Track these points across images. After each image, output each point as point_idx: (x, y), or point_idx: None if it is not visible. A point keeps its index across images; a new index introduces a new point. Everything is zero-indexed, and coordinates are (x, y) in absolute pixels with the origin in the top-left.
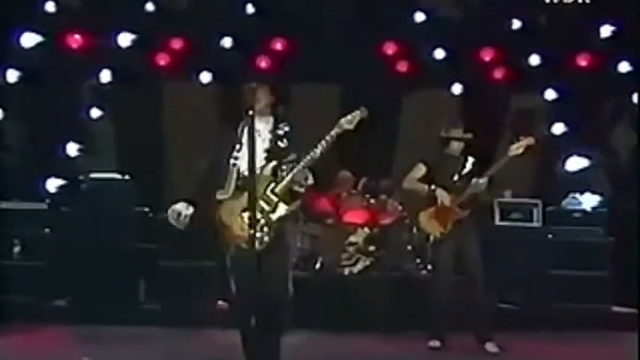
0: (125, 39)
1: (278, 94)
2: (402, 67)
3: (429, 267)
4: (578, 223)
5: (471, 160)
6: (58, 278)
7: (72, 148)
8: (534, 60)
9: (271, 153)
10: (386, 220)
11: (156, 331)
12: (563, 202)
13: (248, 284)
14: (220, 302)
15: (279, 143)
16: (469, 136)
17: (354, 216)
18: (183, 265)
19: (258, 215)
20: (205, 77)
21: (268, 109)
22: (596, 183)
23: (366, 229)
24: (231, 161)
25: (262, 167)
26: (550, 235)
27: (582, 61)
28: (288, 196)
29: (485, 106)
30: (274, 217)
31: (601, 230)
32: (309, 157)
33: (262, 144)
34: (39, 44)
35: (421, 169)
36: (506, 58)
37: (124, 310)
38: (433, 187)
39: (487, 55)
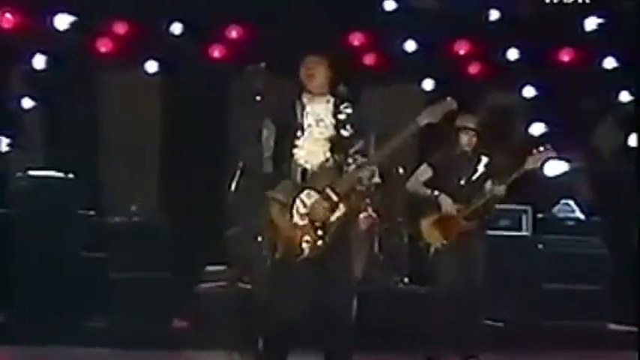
0: (62, 21)
1: (339, 69)
2: (370, 59)
3: (406, 280)
4: (572, 232)
5: (484, 159)
6: None
7: (1, 143)
8: (513, 54)
9: (334, 143)
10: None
11: (104, 354)
12: (555, 209)
13: (292, 302)
14: (179, 320)
15: (342, 131)
16: (480, 129)
17: None
18: (136, 276)
19: (305, 210)
20: (152, 66)
21: (326, 87)
22: (578, 189)
23: None
24: (294, 149)
25: (325, 161)
26: (540, 245)
27: (565, 56)
28: (351, 195)
29: (458, 104)
30: (332, 218)
31: (596, 240)
32: (380, 153)
33: (323, 131)
34: None
35: (427, 172)
36: (483, 51)
37: (67, 329)
38: (437, 192)
39: (462, 49)
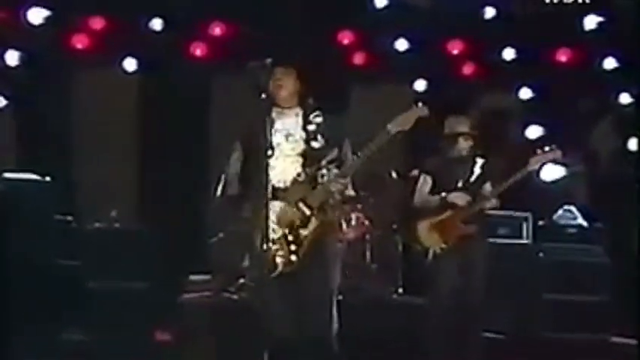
0: (36, 15)
1: (308, 80)
2: (359, 59)
3: (400, 290)
4: (574, 239)
5: (480, 161)
6: None
7: None
8: (509, 54)
9: (305, 157)
10: (349, 235)
11: None
12: (556, 216)
13: (270, 319)
14: (161, 333)
15: (313, 143)
16: (475, 132)
17: None
18: (115, 286)
19: (285, 230)
20: (130, 64)
21: (295, 99)
22: (579, 194)
23: None
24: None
25: (297, 176)
26: (541, 254)
27: (563, 56)
28: (325, 208)
29: (451, 106)
30: (305, 232)
31: (599, 248)
32: (350, 163)
33: (294, 147)
34: None
35: (427, 181)
36: (477, 51)
37: (41, 342)
38: (444, 194)
39: (455, 48)
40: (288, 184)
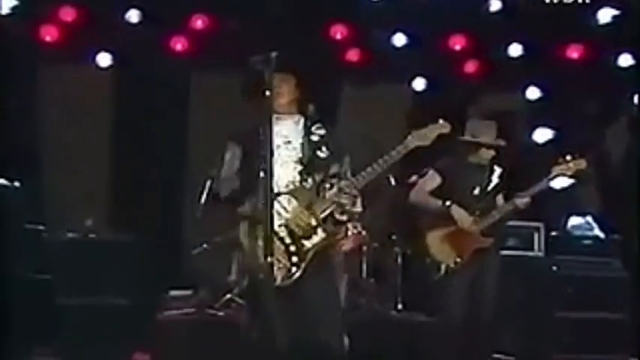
0: (2, 5)
1: (307, 86)
2: (353, 55)
3: (400, 306)
4: (590, 252)
5: (498, 170)
6: None
7: None
8: (515, 50)
9: (305, 165)
10: (344, 247)
11: None
12: (570, 226)
13: (264, 337)
14: (140, 354)
15: (319, 153)
16: (502, 142)
17: None
18: (90, 302)
19: (287, 240)
20: (104, 59)
21: (294, 106)
22: (591, 202)
23: None
24: (261, 174)
25: (296, 183)
26: (554, 268)
27: (574, 53)
28: (330, 221)
29: (453, 107)
30: (308, 244)
31: (618, 262)
32: (362, 176)
33: (291, 154)
34: None
35: (435, 179)
36: (481, 47)
37: None
38: (448, 203)
39: (457, 44)
40: (285, 191)
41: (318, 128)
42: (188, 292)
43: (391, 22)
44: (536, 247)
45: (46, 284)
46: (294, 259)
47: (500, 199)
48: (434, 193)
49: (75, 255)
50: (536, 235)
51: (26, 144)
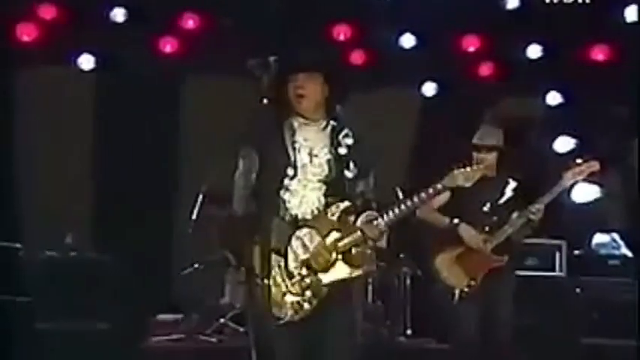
0: None
1: (337, 85)
2: (358, 57)
3: (409, 332)
4: (616, 273)
5: (512, 183)
6: None
7: None
8: (533, 52)
9: (334, 186)
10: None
11: None
12: (595, 244)
13: None
14: None
15: (346, 172)
16: (500, 144)
17: None
18: (71, 327)
19: (302, 271)
20: (87, 61)
21: (322, 110)
22: (617, 218)
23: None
24: (281, 192)
25: (320, 208)
26: (578, 290)
27: (599, 54)
28: (353, 254)
29: (466, 113)
30: (325, 279)
31: None
32: (395, 213)
33: (316, 171)
34: None
35: (443, 195)
36: (497, 48)
37: None
38: (456, 220)
39: (471, 45)
40: (308, 217)
41: (345, 136)
42: (177, 316)
43: (399, 23)
44: (557, 267)
45: (23, 307)
46: (308, 293)
47: (514, 215)
48: (442, 210)
49: (54, 275)
50: (557, 254)
51: None
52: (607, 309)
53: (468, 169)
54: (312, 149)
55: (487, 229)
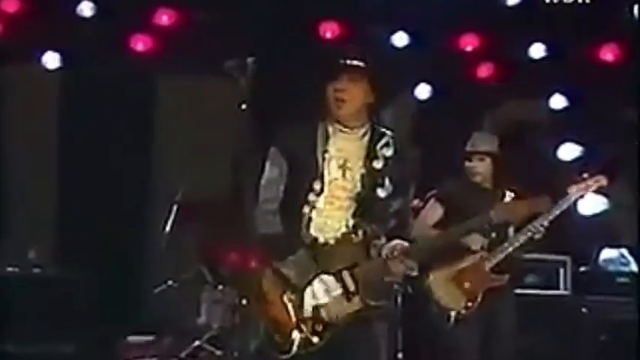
0: None
1: (382, 89)
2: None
3: (400, 355)
4: (625, 291)
5: (510, 195)
6: None
7: None
8: (537, 52)
9: (359, 205)
10: None
11: None
12: (602, 261)
13: None
14: None
15: (379, 190)
16: (494, 150)
17: None
18: (34, 350)
19: (315, 301)
20: (52, 59)
21: (363, 117)
22: (625, 233)
23: None
24: (304, 209)
25: (345, 232)
26: (584, 309)
27: (607, 54)
28: (373, 287)
29: (463, 118)
30: (338, 312)
31: None
32: (424, 243)
33: (347, 186)
34: None
35: (437, 210)
36: (497, 48)
37: None
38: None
39: (469, 44)
40: (331, 241)
41: (385, 146)
42: (150, 338)
43: (391, 20)
44: (561, 284)
45: None
46: (318, 327)
47: (511, 230)
48: (437, 226)
49: (15, 293)
50: (562, 271)
51: None
52: (615, 330)
53: (510, 203)
54: (345, 162)
55: (485, 246)
